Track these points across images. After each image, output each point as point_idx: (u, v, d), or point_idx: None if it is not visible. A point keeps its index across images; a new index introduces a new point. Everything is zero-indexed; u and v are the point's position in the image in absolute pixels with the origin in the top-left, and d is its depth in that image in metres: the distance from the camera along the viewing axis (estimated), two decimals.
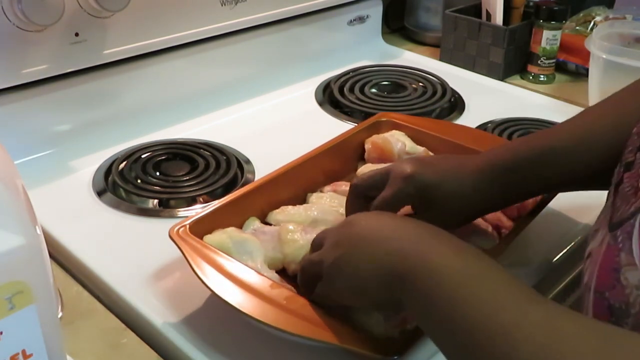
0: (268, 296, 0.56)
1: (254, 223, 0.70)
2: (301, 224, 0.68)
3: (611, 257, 0.45)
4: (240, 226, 0.69)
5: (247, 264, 0.61)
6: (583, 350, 0.37)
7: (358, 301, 0.53)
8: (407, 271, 0.46)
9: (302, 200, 0.76)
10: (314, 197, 0.76)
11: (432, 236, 0.49)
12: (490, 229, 0.70)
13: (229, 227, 0.66)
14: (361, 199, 0.66)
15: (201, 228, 0.64)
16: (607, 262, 0.46)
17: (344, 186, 0.77)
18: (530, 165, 0.62)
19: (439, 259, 0.45)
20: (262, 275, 0.59)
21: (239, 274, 0.58)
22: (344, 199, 0.73)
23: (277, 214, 0.72)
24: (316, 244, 0.58)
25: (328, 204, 0.74)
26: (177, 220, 0.64)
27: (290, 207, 0.72)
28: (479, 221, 0.71)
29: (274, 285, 0.57)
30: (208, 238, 0.64)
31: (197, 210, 0.68)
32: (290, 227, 0.67)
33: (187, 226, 0.63)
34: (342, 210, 0.71)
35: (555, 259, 0.72)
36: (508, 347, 0.39)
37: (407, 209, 0.67)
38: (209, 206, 0.68)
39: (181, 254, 0.60)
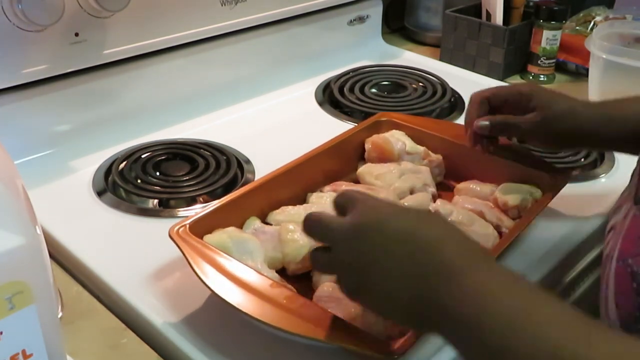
0: (268, 295, 0.56)
1: (255, 223, 0.70)
2: (301, 224, 0.68)
3: (637, 226, 0.47)
4: (240, 226, 0.69)
5: (247, 264, 0.61)
6: None
7: (372, 307, 0.49)
8: (446, 300, 0.41)
9: (302, 200, 0.76)
10: (314, 197, 0.76)
11: (484, 254, 0.44)
12: (490, 229, 0.71)
13: (229, 227, 0.66)
14: (484, 105, 0.73)
15: (201, 228, 0.64)
16: (632, 231, 0.48)
17: (344, 186, 0.77)
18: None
19: (495, 289, 0.40)
20: (262, 274, 0.59)
21: (239, 274, 0.58)
22: None
23: (277, 214, 0.72)
24: (340, 205, 0.51)
25: (328, 204, 0.73)
26: (177, 220, 0.64)
27: (290, 207, 0.72)
28: (480, 220, 0.71)
29: (274, 284, 0.57)
30: (208, 238, 0.64)
31: (197, 210, 0.68)
32: (291, 227, 0.67)
33: (187, 226, 0.63)
34: None
35: (556, 258, 0.72)
36: None
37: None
38: (209, 206, 0.68)
39: (181, 254, 0.60)
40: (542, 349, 0.36)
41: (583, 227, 0.77)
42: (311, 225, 0.51)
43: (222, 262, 0.59)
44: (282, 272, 0.66)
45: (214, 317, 0.61)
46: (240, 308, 0.54)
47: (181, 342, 0.59)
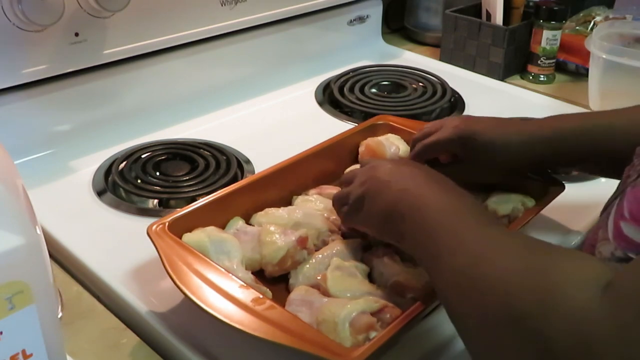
0: (235, 297, 0.56)
1: (237, 223, 0.70)
2: (282, 226, 0.68)
3: (594, 234, 0.51)
4: (223, 225, 0.69)
5: (223, 264, 0.61)
6: (503, 252, 0.46)
7: (370, 230, 0.64)
8: (406, 207, 0.56)
9: (288, 201, 0.76)
10: (299, 200, 0.75)
11: (432, 180, 0.59)
12: None
13: (209, 226, 0.66)
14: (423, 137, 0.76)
15: (183, 226, 0.65)
16: (590, 239, 0.51)
17: (330, 189, 0.77)
18: (579, 135, 0.68)
19: (429, 199, 0.55)
20: (234, 276, 0.59)
21: (209, 274, 0.58)
22: (329, 202, 0.73)
23: (260, 216, 0.71)
24: (347, 179, 0.68)
25: (313, 208, 0.73)
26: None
27: (274, 209, 0.72)
28: None
29: (242, 286, 0.57)
30: (187, 236, 0.64)
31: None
32: (271, 228, 0.67)
33: (166, 224, 0.63)
34: (327, 213, 0.72)
35: None
36: (456, 253, 0.49)
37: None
38: (191, 205, 0.68)
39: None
40: (449, 232, 0.51)
41: (576, 234, 0.76)
42: (334, 199, 0.68)
43: (195, 261, 0.59)
44: (260, 273, 0.66)
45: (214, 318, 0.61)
46: (205, 308, 0.54)
47: (181, 342, 0.59)
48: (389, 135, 0.85)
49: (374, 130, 0.86)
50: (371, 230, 0.64)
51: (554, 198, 0.72)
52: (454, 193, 0.57)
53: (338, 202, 0.67)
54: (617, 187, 0.56)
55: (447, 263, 0.49)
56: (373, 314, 0.56)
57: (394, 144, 0.82)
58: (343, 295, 0.60)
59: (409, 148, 0.83)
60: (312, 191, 0.77)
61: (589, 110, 1.04)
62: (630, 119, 0.67)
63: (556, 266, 0.42)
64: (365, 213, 0.62)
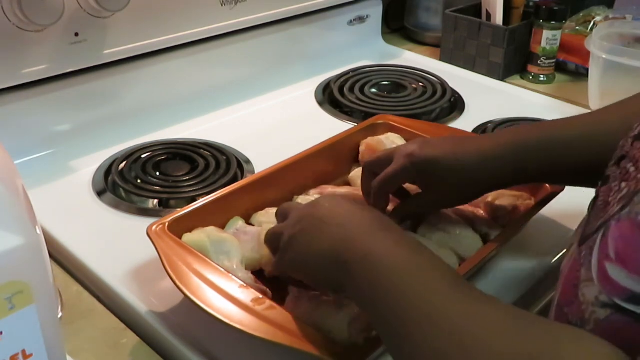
0: (235, 297, 0.56)
1: (237, 223, 0.70)
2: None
3: (574, 272, 0.45)
4: (223, 225, 0.69)
5: (223, 264, 0.61)
6: (495, 330, 0.41)
7: (305, 277, 0.56)
8: (351, 259, 0.49)
9: (289, 201, 0.76)
10: (299, 200, 0.75)
11: (381, 228, 0.51)
12: (477, 237, 0.69)
13: (209, 227, 0.66)
14: (370, 176, 0.70)
15: (183, 226, 0.65)
16: (570, 277, 0.46)
17: (330, 189, 0.77)
18: (536, 150, 0.64)
19: (380, 250, 0.48)
20: (234, 276, 0.59)
21: (209, 274, 0.58)
22: None
23: (260, 216, 0.71)
24: (281, 215, 0.61)
25: None
26: None
27: (274, 209, 0.71)
28: (466, 228, 0.70)
29: (242, 286, 0.57)
30: (187, 237, 0.64)
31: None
32: None
33: (166, 224, 0.63)
34: None
35: (546, 265, 0.71)
36: (432, 333, 0.42)
37: (413, 187, 0.70)
38: (191, 205, 0.68)
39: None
40: (418, 297, 0.44)
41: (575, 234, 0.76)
42: (265, 239, 0.60)
43: (195, 261, 0.59)
44: (260, 273, 0.66)
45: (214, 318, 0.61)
46: (205, 308, 0.54)
47: (181, 342, 0.59)
48: (389, 134, 0.85)
49: (374, 130, 0.86)
50: (305, 278, 0.56)
51: (553, 198, 0.72)
52: (410, 244, 0.50)
53: (269, 242, 0.60)
54: (590, 212, 0.50)
55: (415, 339, 0.43)
56: None
57: (394, 143, 0.82)
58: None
59: None
60: (312, 191, 0.77)
61: (544, 120, 1.00)
62: (584, 129, 0.63)
63: (559, 351, 0.38)
64: (297, 257, 0.55)
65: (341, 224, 0.52)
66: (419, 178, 0.67)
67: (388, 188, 0.68)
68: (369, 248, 0.49)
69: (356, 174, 0.80)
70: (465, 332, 0.41)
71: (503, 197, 0.73)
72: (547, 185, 0.73)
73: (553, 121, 0.69)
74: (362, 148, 0.84)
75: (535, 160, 0.64)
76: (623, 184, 0.45)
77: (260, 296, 0.56)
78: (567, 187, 0.74)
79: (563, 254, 0.73)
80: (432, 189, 0.67)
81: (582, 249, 0.45)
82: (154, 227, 0.63)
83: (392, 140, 0.83)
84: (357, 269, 0.49)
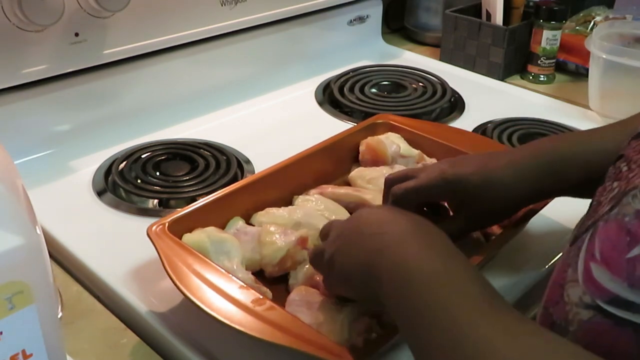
0: (235, 298, 0.56)
1: (238, 223, 0.70)
2: (282, 226, 0.68)
3: (562, 272, 0.45)
4: (224, 225, 0.69)
5: (223, 264, 0.61)
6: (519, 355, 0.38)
7: (347, 293, 0.55)
8: (383, 270, 0.47)
9: (289, 201, 0.76)
10: (299, 200, 0.75)
11: (417, 236, 0.49)
12: (477, 234, 0.69)
13: (209, 227, 0.66)
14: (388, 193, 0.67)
15: (183, 226, 0.65)
16: (557, 277, 0.45)
17: (330, 189, 0.77)
18: (572, 158, 0.62)
19: (414, 262, 0.46)
20: (234, 276, 0.59)
21: (209, 275, 0.58)
22: (329, 203, 0.73)
23: (260, 216, 0.71)
24: (323, 234, 0.59)
25: (313, 208, 0.73)
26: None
27: (274, 209, 0.72)
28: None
29: (242, 287, 0.57)
30: (187, 237, 0.64)
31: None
32: (272, 228, 0.67)
33: (166, 224, 0.63)
34: (328, 213, 0.72)
35: (546, 265, 0.71)
36: (453, 351, 0.40)
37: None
38: (191, 205, 0.68)
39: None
40: (445, 315, 0.42)
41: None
42: (310, 259, 0.59)
43: (195, 262, 0.59)
44: (260, 273, 0.66)
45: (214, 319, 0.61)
46: (205, 308, 0.54)
47: (181, 342, 0.59)
48: (389, 134, 0.85)
49: (374, 129, 0.86)
50: (351, 293, 0.55)
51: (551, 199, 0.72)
52: (444, 252, 0.48)
53: (314, 263, 0.58)
54: (587, 212, 0.49)
55: (436, 355, 0.41)
56: (373, 315, 0.56)
57: (394, 143, 0.82)
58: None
59: (409, 147, 0.83)
60: (312, 191, 0.77)
61: (544, 120, 1.00)
62: (617, 137, 0.60)
63: None
64: (340, 274, 0.53)
65: (375, 234, 0.50)
66: (450, 197, 0.65)
67: (410, 199, 0.64)
68: (399, 257, 0.47)
69: (356, 173, 0.80)
70: (489, 353, 0.39)
71: None
72: None
73: (582, 131, 0.67)
74: (362, 148, 0.84)
75: (575, 167, 0.62)
76: (615, 184, 0.45)
77: (260, 297, 0.56)
78: None
79: (556, 259, 0.73)
80: (466, 208, 0.64)
81: (571, 249, 0.45)
82: (154, 228, 0.63)
83: (391, 140, 0.83)
84: (387, 280, 0.47)
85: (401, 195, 0.64)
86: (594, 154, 0.61)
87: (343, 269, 0.53)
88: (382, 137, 0.84)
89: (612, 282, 0.39)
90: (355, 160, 0.84)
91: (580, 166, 0.62)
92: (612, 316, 0.39)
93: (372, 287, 0.48)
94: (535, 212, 0.70)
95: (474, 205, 0.63)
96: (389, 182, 0.67)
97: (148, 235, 0.62)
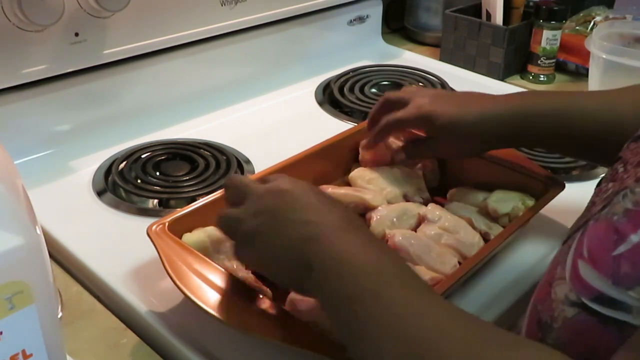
0: (234, 296, 0.56)
1: None
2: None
3: (551, 270, 0.45)
4: None
5: (223, 264, 0.61)
6: (466, 346, 0.40)
7: (266, 273, 0.55)
8: (315, 259, 0.48)
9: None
10: None
11: (349, 228, 0.49)
12: (477, 237, 0.70)
13: (209, 226, 0.66)
14: (384, 109, 0.76)
15: (183, 226, 0.65)
16: (547, 275, 0.46)
17: (330, 189, 0.77)
18: (546, 116, 0.67)
19: (347, 254, 0.47)
20: (234, 275, 0.59)
21: (209, 274, 0.58)
22: None
23: None
24: (234, 194, 0.56)
25: None
26: None
27: None
28: (467, 227, 0.70)
29: (242, 286, 0.57)
30: (187, 236, 0.64)
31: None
32: None
33: (166, 224, 0.64)
34: None
35: (545, 264, 0.70)
36: (391, 343, 0.41)
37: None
38: (191, 205, 0.68)
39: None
40: (376, 300, 0.43)
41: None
42: (219, 221, 0.56)
43: (195, 261, 0.59)
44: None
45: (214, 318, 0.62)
46: (205, 307, 0.54)
47: (181, 342, 0.59)
48: None
49: None
50: (266, 273, 0.55)
51: (553, 197, 0.72)
52: (378, 246, 0.49)
53: (224, 228, 0.56)
54: (583, 213, 0.49)
55: (378, 349, 0.42)
56: None
57: (394, 143, 0.82)
58: None
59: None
60: None
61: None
62: (600, 103, 0.67)
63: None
64: (259, 254, 0.53)
65: (307, 222, 0.50)
66: (424, 128, 0.74)
67: (392, 128, 0.76)
68: (333, 249, 0.47)
69: (356, 173, 0.80)
70: (424, 341, 0.40)
71: (503, 197, 0.73)
72: (549, 186, 0.73)
73: (572, 92, 0.72)
74: (362, 148, 0.84)
75: (542, 126, 0.67)
76: (610, 184, 0.46)
77: (260, 296, 0.56)
78: (567, 187, 0.74)
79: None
80: (435, 139, 0.73)
81: (562, 248, 0.46)
82: (154, 227, 0.63)
83: (391, 141, 0.83)
84: (319, 269, 0.47)
85: (385, 125, 0.75)
86: (576, 114, 0.66)
87: (266, 250, 0.52)
88: None
89: (598, 280, 0.39)
90: (356, 160, 0.84)
91: (552, 124, 0.67)
92: (596, 314, 0.39)
93: (299, 273, 0.49)
94: (534, 212, 0.70)
95: (440, 139, 0.72)
96: (386, 102, 0.76)
97: (148, 234, 0.62)
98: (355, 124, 0.95)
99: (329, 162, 0.82)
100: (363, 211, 0.75)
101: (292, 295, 0.61)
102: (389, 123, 0.75)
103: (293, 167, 0.76)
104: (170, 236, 0.62)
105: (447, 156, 0.79)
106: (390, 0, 1.39)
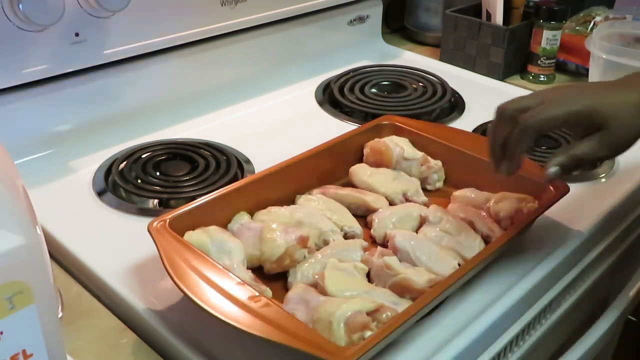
0: (232, 295, 0.56)
1: (243, 218, 0.70)
2: (284, 224, 0.68)
3: None
4: (226, 223, 0.69)
5: (223, 263, 0.61)
6: None
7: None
8: None
9: (291, 201, 0.76)
10: (302, 199, 0.75)
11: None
12: (478, 240, 0.70)
13: (211, 225, 0.67)
14: (508, 123, 0.65)
15: (184, 224, 0.65)
16: None
17: (333, 189, 0.77)
18: None
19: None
20: (233, 274, 0.59)
21: (208, 272, 0.58)
22: (332, 203, 0.73)
23: (262, 214, 0.71)
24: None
25: (315, 207, 0.73)
26: None
27: (276, 207, 0.72)
28: (468, 230, 0.70)
29: (240, 284, 0.57)
30: (189, 235, 0.64)
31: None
32: (273, 225, 0.67)
33: (167, 221, 0.64)
34: (329, 213, 0.72)
35: (547, 266, 0.71)
36: None
37: None
38: (193, 202, 0.68)
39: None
40: None
41: (576, 234, 0.76)
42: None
43: (194, 259, 0.59)
44: (260, 273, 0.66)
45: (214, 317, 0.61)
46: (202, 305, 0.54)
47: (181, 342, 0.59)
48: (393, 137, 0.85)
49: (379, 131, 0.86)
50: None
51: (557, 200, 0.72)
52: None
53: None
54: None
55: None
56: (369, 313, 0.56)
57: (398, 146, 0.82)
58: (341, 294, 0.60)
59: (413, 150, 0.83)
60: (315, 191, 0.77)
61: None
62: None
63: None
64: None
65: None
66: (576, 126, 0.65)
67: (543, 131, 0.63)
68: None
69: (356, 168, 0.80)
70: None
71: (506, 200, 0.73)
72: (551, 187, 0.73)
73: None
74: (366, 150, 0.84)
75: None
76: None
77: (257, 294, 0.56)
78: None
79: (560, 258, 0.73)
80: (587, 135, 0.63)
81: None
82: (155, 224, 0.63)
83: (395, 143, 0.83)
84: None
85: (538, 125, 0.62)
86: None
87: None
88: (386, 139, 0.84)
89: None
90: (360, 161, 0.84)
91: None
92: None
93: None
94: (537, 215, 0.70)
95: (598, 134, 0.62)
96: (510, 111, 0.66)
97: (149, 231, 0.62)
98: (355, 124, 0.95)
99: (334, 161, 0.82)
100: (365, 212, 0.75)
101: (290, 294, 0.61)
102: (541, 120, 0.62)
103: (297, 167, 0.77)
104: (171, 233, 0.62)
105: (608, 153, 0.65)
106: (390, 0, 1.39)
